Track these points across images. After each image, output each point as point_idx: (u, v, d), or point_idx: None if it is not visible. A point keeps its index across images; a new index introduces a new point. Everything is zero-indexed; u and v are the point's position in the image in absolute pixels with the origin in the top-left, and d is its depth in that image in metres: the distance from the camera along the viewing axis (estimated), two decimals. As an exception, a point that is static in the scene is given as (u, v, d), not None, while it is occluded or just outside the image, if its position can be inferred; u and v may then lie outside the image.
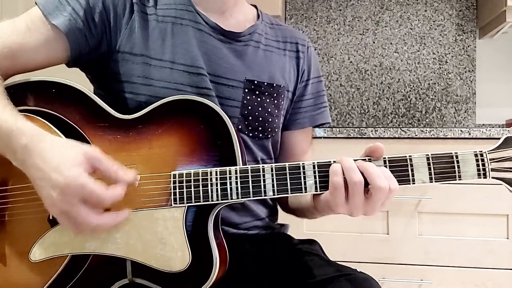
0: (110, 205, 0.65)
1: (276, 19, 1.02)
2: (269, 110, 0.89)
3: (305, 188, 0.68)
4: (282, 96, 0.92)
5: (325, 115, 0.99)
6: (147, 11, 0.84)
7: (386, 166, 0.68)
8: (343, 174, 0.66)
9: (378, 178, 0.65)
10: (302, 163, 0.69)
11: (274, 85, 0.90)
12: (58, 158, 0.63)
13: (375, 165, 0.67)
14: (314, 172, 0.69)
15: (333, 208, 0.68)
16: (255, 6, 0.99)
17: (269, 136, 0.90)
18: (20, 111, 0.70)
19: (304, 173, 0.69)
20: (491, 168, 0.67)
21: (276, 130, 0.92)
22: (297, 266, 0.83)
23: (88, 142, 0.72)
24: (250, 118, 0.87)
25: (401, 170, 0.68)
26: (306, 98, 0.97)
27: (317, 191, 0.69)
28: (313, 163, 0.69)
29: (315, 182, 0.68)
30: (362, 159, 0.68)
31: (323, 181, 0.68)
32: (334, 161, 0.68)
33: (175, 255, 0.68)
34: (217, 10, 0.89)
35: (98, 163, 0.64)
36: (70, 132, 0.72)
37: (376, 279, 0.79)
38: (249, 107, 0.87)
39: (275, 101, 0.90)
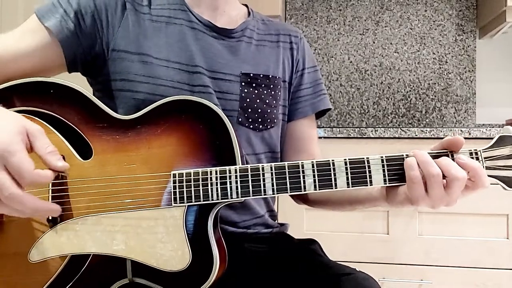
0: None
1: (270, 17, 1.05)
2: (267, 101, 0.91)
3: (304, 187, 0.68)
4: (279, 87, 0.94)
5: (325, 101, 1.01)
6: (141, 10, 0.86)
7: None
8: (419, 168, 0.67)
9: (453, 168, 0.65)
10: (301, 162, 0.69)
11: (270, 76, 0.92)
12: None
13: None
14: (313, 171, 0.69)
15: (414, 202, 0.69)
16: (246, 5, 1.01)
17: (269, 127, 0.91)
18: (18, 111, 0.70)
19: (303, 172, 0.69)
20: (485, 166, 0.67)
21: (275, 120, 0.93)
22: (297, 266, 0.83)
23: (87, 142, 0.72)
24: (250, 110, 0.88)
25: (400, 168, 0.69)
26: (304, 87, 0.99)
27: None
28: (312, 162, 0.69)
29: (314, 181, 0.69)
30: (437, 152, 0.69)
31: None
32: (407, 155, 0.68)
33: (175, 255, 0.68)
34: (210, 7, 0.91)
35: (34, 139, 0.62)
36: (69, 133, 0.72)
37: (376, 279, 0.79)
38: (248, 100, 0.88)
39: (272, 92, 0.92)
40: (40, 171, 0.61)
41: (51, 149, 0.63)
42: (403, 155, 0.69)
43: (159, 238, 0.69)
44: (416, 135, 1.69)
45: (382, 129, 1.70)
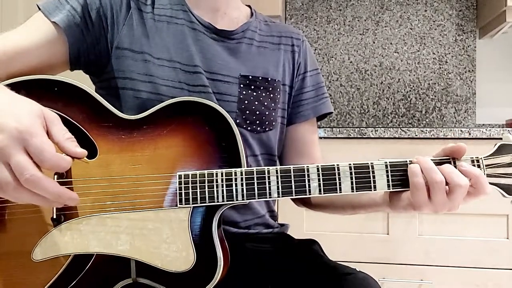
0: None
1: (270, 17, 1.05)
2: (265, 103, 0.91)
3: (309, 190, 0.69)
4: (278, 89, 0.94)
5: (327, 105, 1.01)
6: (145, 9, 0.86)
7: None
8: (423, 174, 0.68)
9: (456, 175, 0.67)
10: (307, 166, 0.70)
11: (269, 79, 0.92)
12: (14, 106, 0.59)
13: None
14: (318, 175, 0.69)
15: (417, 208, 0.70)
16: (249, 6, 1.01)
17: (267, 129, 0.92)
18: None
19: (308, 175, 0.69)
20: (486, 174, 0.69)
21: (274, 123, 0.93)
22: (297, 266, 0.84)
23: (92, 142, 0.72)
24: (247, 112, 0.89)
25: (403, 174, 0.70)
26: (306, 90, 0.99)
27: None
28: (317, 166, 0.69)
29: (319, 185, 0.69)
30: (440, 159, 0.70)
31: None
32: (410, 161, 0.70)
33: (180, 255, 0.68)
34: (210, 9, 0.91)
35: (52, 125, 0.60)
36: (73, 131, 0.71)
37: (376, 279, 0.79)
38: (246, 102, 0.89)
39: (271, 95, 0.92)
40: (61, 154, 0.58)
41: (69, 135, 0.62)
42: (406, 161, 0.70)
43: (164, 239, 0.69)
44: (416, 135, 1.69)
45: (382, 129, 1.71)
